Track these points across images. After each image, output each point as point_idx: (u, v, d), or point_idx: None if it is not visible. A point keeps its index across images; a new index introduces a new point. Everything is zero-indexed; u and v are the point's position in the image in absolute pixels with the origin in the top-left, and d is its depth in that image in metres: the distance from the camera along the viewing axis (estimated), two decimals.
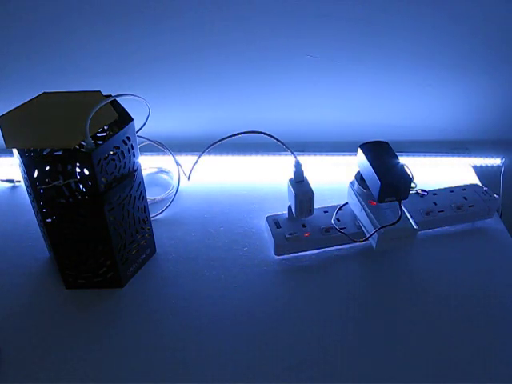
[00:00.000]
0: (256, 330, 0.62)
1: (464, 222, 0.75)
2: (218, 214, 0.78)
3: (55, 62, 0.79)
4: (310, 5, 0.73)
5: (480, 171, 0.86)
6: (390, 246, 0.68)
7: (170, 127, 0.85)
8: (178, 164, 0.82)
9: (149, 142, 0.80)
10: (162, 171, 0.88)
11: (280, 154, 0.85)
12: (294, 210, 0.70)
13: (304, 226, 0.71)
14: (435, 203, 0.75)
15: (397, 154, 0.67)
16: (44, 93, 0.62)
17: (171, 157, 0.81)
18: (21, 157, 0.55)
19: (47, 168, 0.56)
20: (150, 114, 0.67)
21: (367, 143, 0.69)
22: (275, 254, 0.70)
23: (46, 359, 0.59)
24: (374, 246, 0.67)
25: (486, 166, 0.88)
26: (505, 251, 0.72)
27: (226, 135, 0.71)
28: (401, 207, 0.65)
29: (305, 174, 0.70)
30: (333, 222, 0.71)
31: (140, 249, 0.68)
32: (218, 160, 0.87)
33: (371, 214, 0.67)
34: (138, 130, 0.66)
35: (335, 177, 0.82)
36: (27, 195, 0.62)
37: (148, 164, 0.87)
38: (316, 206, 0.70)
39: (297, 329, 0.62)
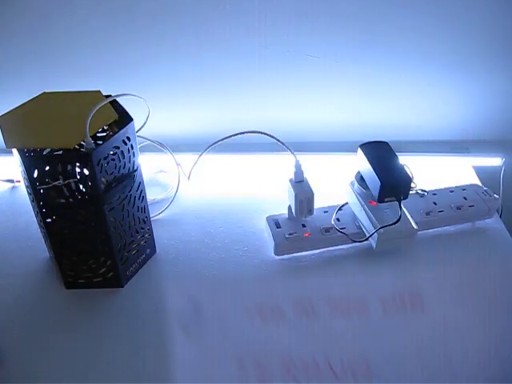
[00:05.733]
0: (256, 330, 0.61)
1: (464, 222, 0.75)
2: (217, 213, 0.78)
3: (55, 61, 0.79)
4: (310, 4, 0.73)
5: (480, 171, 0.86)
6: (390, 246, 0.68)
7: (170, 127, 0.85)
8: (178, 164, 0.81)
9: (149, 141, 0.80)
10: (161, 171, 0.87)
11: (280, 154, 0.85)
12: (293, 210, 0.70)
13: (304, 226, 0.71)
14: (435, 203, 0.75)
15: (397, 153, 0.67)
16: (44, 93, 0.62)
17: (171, 157, 0.81)
18: (21, 157, 0.55)
19: (47, 168, 0.56)
20: (149, 114, 0.67)
21: (367, 143, 0.69)
22: (275, 254, 0.70)
23: (46, 359, 0.59)
24: (374, 246, 0.67)
25: (486, 166, 0.88)
26: (505, 251, 0.72)
27: (226, 135, 0.71)
28: (401, 207, 0.65)
29: (305, 174, 0.70)
30: (333, 222, 0.71)
31: (140, 249, 0.68)
32: (218, 160, 0.87)
33: (371, 214, 0.67)
34: (138, 130, 0.66)
35: (335, 177, 0.82)
36: (27, 195, 0.62)
37: (148, 164, 0.87)
38: (316, 206, 0.70)
39: (297, 328, 0.62)
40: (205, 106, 0.85)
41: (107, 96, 0.61)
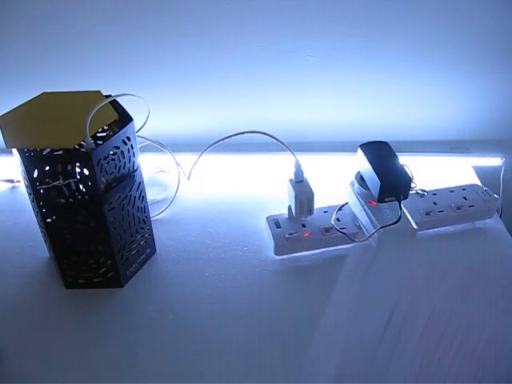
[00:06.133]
0: (256, 330, 0.61)
1: (464, 221, 0.75)
2: (217, 213, 0.78)
3: (56, 62, 0.79)
4: (310, 5, 0.73)
5: (480, 171, 0.86)
6: (390, 245, 0.68)
7: (170, 127, 0.85)
8: (177, 164, 0.82)
9: (149, 141, 0.80)
10: (161, 171, 0.88)
11: (280, 154, 0.85)
12: (293, 210, 0.70)
13: (304, 226, 0.71)
14: (435, 203, 0.75)
15: (397, 154, 0.67)
16: (44, 93, 0.62)
17: (171, 157, 0.81)
18: (21, 157, 0.55)
19: (47, 168, 0.56)
20: (149, 114, 0.67)
21: (367, 143, 0.69)
22: (275, 254, 0.70)
23: (46, 359, 0.59)
24: (374, 245, 0.67)
25: (486, 166, 0.88)
26: (505, 251, 0.72)
27: (226, 135, 0.71)
28: (401, 207, 0.65)
29: (305, 174, 0.70)
30: (333, 222, 0.71)
31: (140, 249, 0.68)
32: (218, 160, 0.87)
33: (371, 214, 0.67)
34: (138, 130, 0.66)
35: (335, 177, 0.82)
36: (27, 195, 0.62)
37: (148, 164, 0.87)
38: (316, 206, 0.70)
39: (297, 328, 0.62)
40: (205, 106, 0.85)
41: (107, 96, 0.61)
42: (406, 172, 0.65)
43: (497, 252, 0.72)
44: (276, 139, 0.69)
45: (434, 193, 0.77)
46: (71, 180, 0.57)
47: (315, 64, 0.79)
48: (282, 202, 0.73)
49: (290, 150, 0.69)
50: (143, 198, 0.65)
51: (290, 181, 0.70)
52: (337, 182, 0.76)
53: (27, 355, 0.59)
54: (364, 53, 0.78)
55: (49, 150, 0.60)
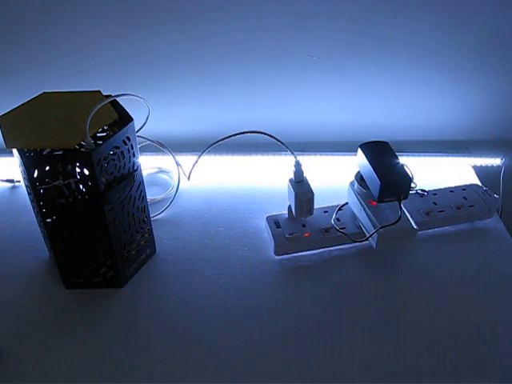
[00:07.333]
0: (256, 330, 0.62)
1: (464, 221, 0.75)
2: (217, 214, 0.78)
3: (55, 61, 0.79)
4: (309, 4, 0.73)
5: (480, 171, 0.86)
6: (390, 246, 0.68)
7: (170, 127, 0.85)
8: (177, 164, 0.81)
9: (149, 141, 0.80)
10: (161, 171, 0.88)
11: (280, 154, 0.85)
12: (293, 210, 0.70)
13: (304, 226, 0.71)
14: (435, 203, 0.75)
15: (397, 153, 0.67)
16: (44, 93, 0.62)
17: (171, 157, 0.81)
18: (21, 157, 0.55)
19: (47, 168, 0.56)
20: (149, 114, 0.67)
21: (367, 143, 0.69)
22: (275, 254, 0.70)
23: (46, 359, 0.59)
24: (374, 246, 0.67)
25: (486, 166, 0.88)
26: (505, 251, 0.72)
27: (226, 135, 0.71)
28: (401, 207, 0.65)
29: (305, 174, 0.70)
30: (333, 222, 0.71)
31: (140, 249, 0.68)
32: (218, 160, 0.87)
33: (371, 214, 0.67)
34: (138, 130, 0.66)
35: (335, 177, 0.82)
36: (27, 195, 0.62)
37: (148, 164, 0.87)
38: (316, 206, 0.70)
39: (297, 328, 0.62)
40: (205, 106, 0.85)
41: (107, 96, 0.61)
42: (405, 172, 0.65)
43: (497, 252, 0.72)
44: (276, 139, 0.69)
45: (434, 193, 0.77)
46: (71, 180, 0.57)
47: (315, 64, 0.79)
48: (282, 201, 0.73)
49: (290, 150, 0.69)
50: (143, 197, 0.65)
51: (290, 181, 0.70)
52: (337, 182, 0.76)
53: (27, 355, 0.59)
54: (364, 53, 0.78)
55: (49, 150, 0.60)
